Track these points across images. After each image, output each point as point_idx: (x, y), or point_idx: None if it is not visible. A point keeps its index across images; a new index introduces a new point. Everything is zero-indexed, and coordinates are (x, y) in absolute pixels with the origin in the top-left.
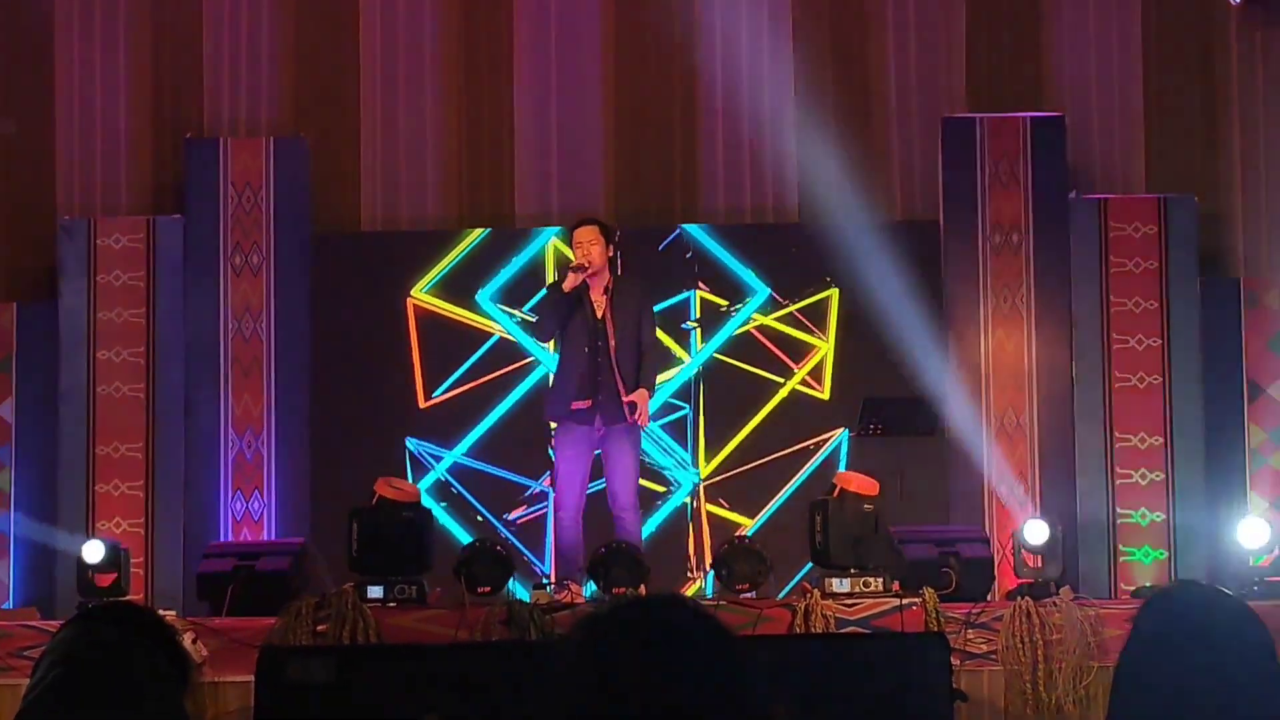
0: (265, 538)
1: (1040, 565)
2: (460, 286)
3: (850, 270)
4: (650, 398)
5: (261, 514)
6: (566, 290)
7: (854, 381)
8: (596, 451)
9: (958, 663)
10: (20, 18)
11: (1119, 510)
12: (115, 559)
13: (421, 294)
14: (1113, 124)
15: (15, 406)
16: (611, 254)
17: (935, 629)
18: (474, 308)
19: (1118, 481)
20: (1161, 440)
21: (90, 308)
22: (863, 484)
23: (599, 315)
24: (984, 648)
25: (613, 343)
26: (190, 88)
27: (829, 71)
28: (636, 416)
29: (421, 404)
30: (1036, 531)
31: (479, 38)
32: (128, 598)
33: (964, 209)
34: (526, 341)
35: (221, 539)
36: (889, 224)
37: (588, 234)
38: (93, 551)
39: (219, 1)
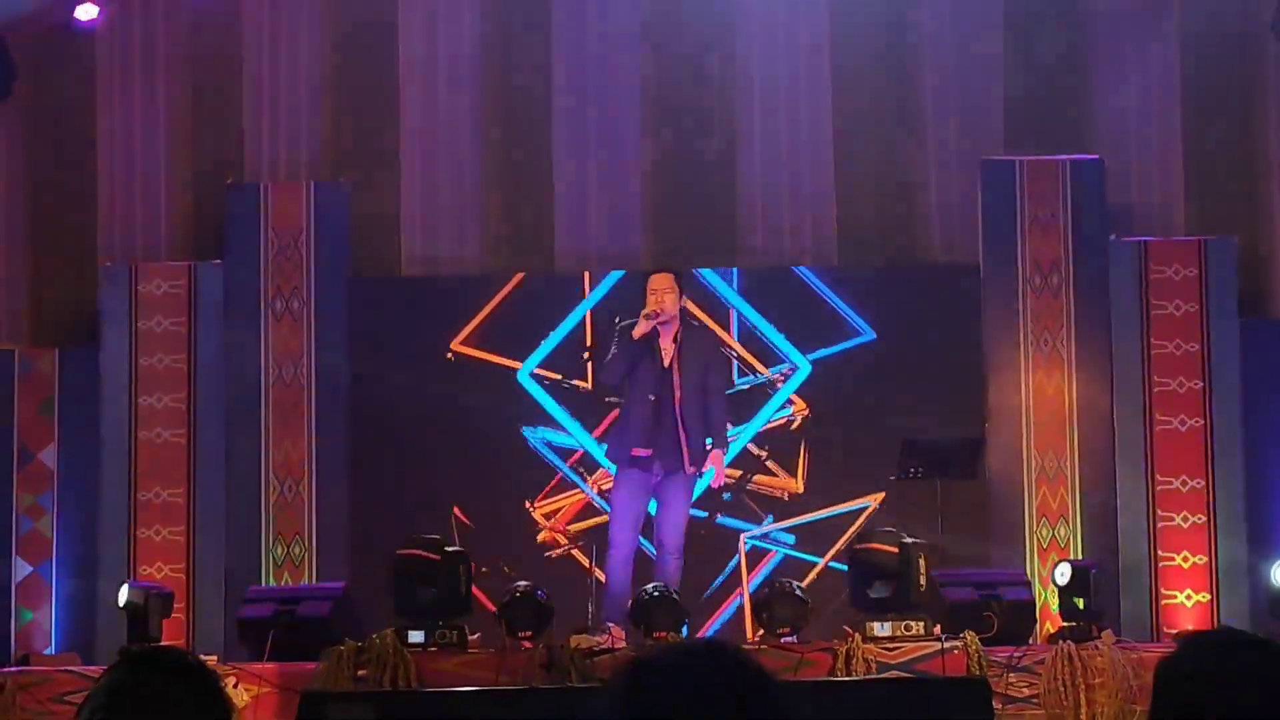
0: (306, 583)
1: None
2: (501, 334)
3: (888, 313)
4: (725, 456)
5: (302, 559)
6: (636, 337)
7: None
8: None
9: (1000, 707)
10: (63, 64)
11: (1161, 553)
12: (146, 605)
13: (461, 345)
14: (1152, 166)
15: (57, 452)
16: (684, 303)
17: (977, 673)
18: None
19: (1159, 524)
20: (1203, 483)
21: (131, 353)
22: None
23: (666, 364)
24: (1026, 691)
25: (678, 393)
26: (230, 133)
27: (868, 114)
28: (713, 481)
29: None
30: (1062, 572)
31: (518, 82)
32: (169, 643)
33: (1003, 252)
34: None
35: (262, 584)
36: (928, 266)
37: (663, 281)
38: (124, 596)
39: (258, 47)
